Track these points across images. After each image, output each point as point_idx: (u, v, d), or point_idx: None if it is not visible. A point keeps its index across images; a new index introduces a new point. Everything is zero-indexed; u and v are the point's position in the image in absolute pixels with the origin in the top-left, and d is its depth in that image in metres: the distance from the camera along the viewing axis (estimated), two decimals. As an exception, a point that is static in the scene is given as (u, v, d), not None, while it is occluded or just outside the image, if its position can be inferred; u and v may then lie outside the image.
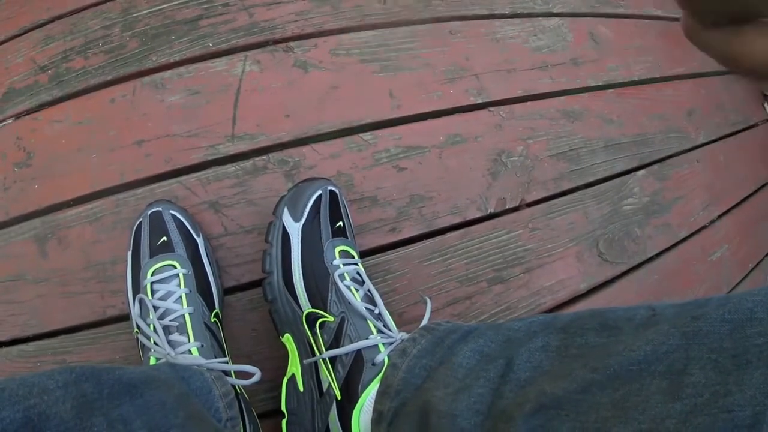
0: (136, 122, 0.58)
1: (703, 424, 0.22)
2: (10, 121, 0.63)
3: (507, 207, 0.58)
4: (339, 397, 0.41)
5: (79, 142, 0.58)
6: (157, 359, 0.43)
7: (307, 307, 0.45)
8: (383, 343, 0.41)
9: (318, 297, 0.45)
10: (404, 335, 0.41)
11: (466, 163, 0.58)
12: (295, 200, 0.47)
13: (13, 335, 0.55)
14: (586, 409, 0.26)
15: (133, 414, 0.30)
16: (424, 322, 0.42)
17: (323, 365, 0.43)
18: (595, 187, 0.64)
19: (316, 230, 0.47)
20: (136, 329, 0.46)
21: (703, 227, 0.74)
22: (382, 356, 0.41)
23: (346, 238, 0.48)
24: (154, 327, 0.44)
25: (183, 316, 0.45)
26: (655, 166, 0.70)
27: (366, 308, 0.43)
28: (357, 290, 0.44)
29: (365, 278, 0.46)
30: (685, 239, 0.71)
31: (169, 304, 0.45)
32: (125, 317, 0.54)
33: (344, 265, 0.46)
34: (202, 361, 0.42)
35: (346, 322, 0.43)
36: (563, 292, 0.60)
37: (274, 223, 0.48)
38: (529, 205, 0.60)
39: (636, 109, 0.72)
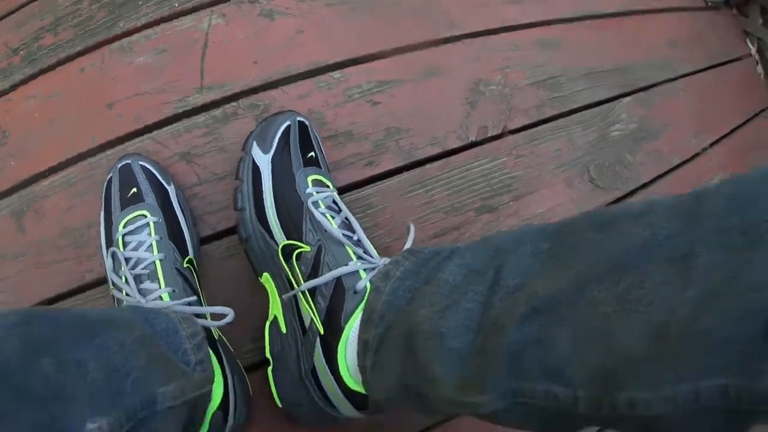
0: (106, 87, 0.57)
1: (724, 307, 0.19)
2: None
3: (489, 135, 0.56)
4: (322, 332, 0.39)
5: (51, 114, 0.57)
6: None
7: (282, 240, 0.42)
8: (364, 269, 0.38)
9: (293, 228, 0.42)
10: (386, 260, 0.39)
11: (442, 93, 0.55)
12: (263, 133, 0.45)
13: None
14: (584, 309, 0.23)
15: (89, 356, 0.27)
16: (408, 244, 0.40)
17: (303, 299, 0.41)
18: (580, 114, 0.61)
19: (286, 161, 0.44)
20: (111, 286, 0.44)
21: (696, 155, 0.71)
22: (364, 282, 0.38)
23: (319, 167, 0.46)
24: (126, 278, 0.42)
25: (153, 263, 0.43)
26: (641, 94, 0.68)
27: (344, 234, 0.40)
28: (333, 217, 0.42)
29: (342, 206, 0.43)
30: (678, 166, 0.68)
31: (140, 253, 0.43)
32: (104, 280, 0.51)
33: (317, 193, 0.43)
34: (170, 303, 0.40)
35: (323, 250, 0.40)
36: (556, 219, 0.56)
37: (243, 159, 0.46)
38: (512, 132, 0.57)
39: (616, 39, 0.69)
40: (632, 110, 0.66)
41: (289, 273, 0.42)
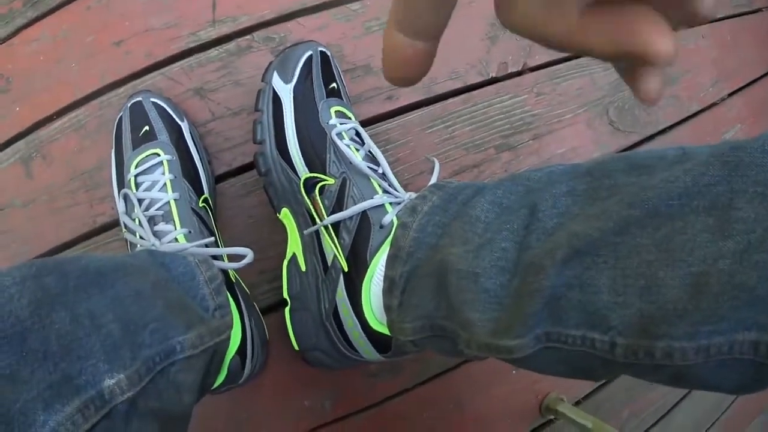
0: (114, 24, 0.54)
1: (762, 261, 0.19)
2: None
3: (509, 71, 0.54)
4: (346, 269, 0.37)
5: (57, 55, 0.55)
6: None
7: (304, 173, 0.40)
8: (390, 203, 0.37)
9: (316, 160, 0.40)
10: (412, 195, 0.37)
11: (461, 27, 0.53)
12: (284, 62, 0.43)
13: (7, 265, 0.52)
14: (626, 253, 0.22)
15: (103, 306, 0.26)
16: (433, 179, 0.38)
17: (326, 235, 0.39)
18: (600, 54, 0.59)
19: (309, 91, 0.42)
20: (123, 228, 0.42)
21: (714, 104, 0.69)
22: (390, 216, 0.36)
23: (341, 99, 0.44)
24: (139, 220, 0.40)
25: (168, 203, 0.41)
26: (661, 37, 0.65)
27: (369, 167, 0.38)
28: (357, 150, 0.40)
29: (365, 138, 0.41)
30: (696, 114, 0.66)
31: (154, 193, 0.41)
32: (117, 223, 0.50)
33: (341, 124, 0.41)
34: (187, 245, 0.38)
35: (348, 183, 0.38)
36: (576, 160, 0.55)
37: (263, 90, 0.44)
38: (533, 69, 0.55)
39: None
40: (652, 53, 0.64)
41: (311, 207, 0.40)
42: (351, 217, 0.37)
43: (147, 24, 0.53)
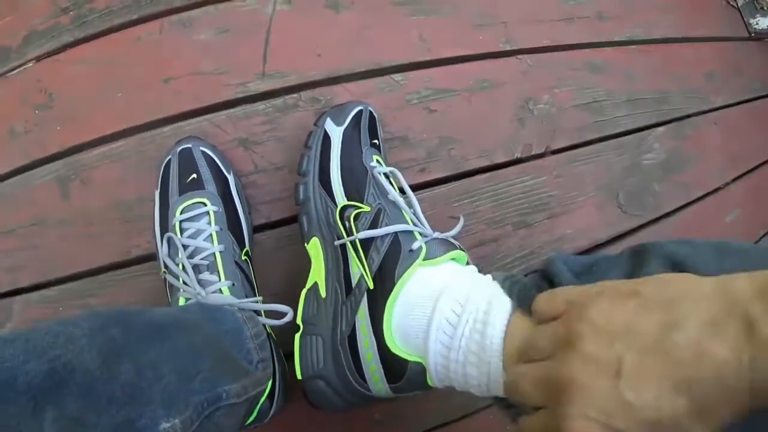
0: (164, 60, 0.56)
1: None
2: (30, 64, 0.60)
3: (533, 153, 0.57)
4: (372, 287, 0.39)
5: (103, 81, 0.56)
6: (187, 299, 0.42)
7: (342, 201, 0.43)
8: (420, 233, 0.40)
9: (355, 191, 0.43)
10: (439, 234, 0.40)
11: (494, 108, 0.56)
12: (338, 111, 0.47)
13: (35, 281, 0.53)
14: None
15: (162, 358, 0.29)
16: (454, 232, 0.41)
17: (354, 255, 0.41)
18: (617, 140, 0.63)
19: (356, 136, 0.46)
20: (163, 269, 0.44)
21: (718, 188, 0.73)
22: (420, 243, 0.39)
23: (380, 154, 0.47)
24: (183, 266, 0.42)
25: (213, 254, 0.43)
26: (674, 124, 0.69)
27: (404, 203, 0.42)
28: (394, 189, 0.43)
29: (403, 183, 0.44)
30: (700, 198, 0.70)
31: (199, 242, 0.43)
32: (151, 257, 0.52)
33: (382, 167, 0.45)
34: (234, 300, 0.41)
35: (382, 212, 0.41)
36: (584, 240, 0.59)
37: (314, 132, 0.47)
38: (554, 152, 0.59)
39: (657, 66, 0.70)
40: (664, 141, 0.67)
41: (344, 231, 0.42)
42: (382, 238, 0.40)
43: (198, 66, 0.55)
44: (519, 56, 0.60)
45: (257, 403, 0.40)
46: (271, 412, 0.43)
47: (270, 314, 0.42)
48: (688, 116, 0.71)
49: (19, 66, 0.59)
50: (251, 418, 0.41)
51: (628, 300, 0.25)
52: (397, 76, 0.54)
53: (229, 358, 0.35)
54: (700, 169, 0.70)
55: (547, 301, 0.30)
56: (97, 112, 0.55)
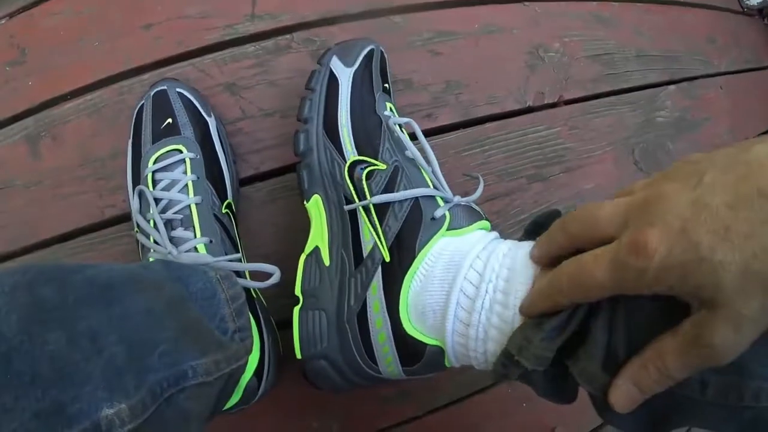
0: (145, 6, 0.51)
1: None
2: (2, 21, 0.55)
3: (545, 102, 0.53)
4: (388, 259, 0.34)
5: (79, 31, 0.51)
6: None
7: (352, 155, 0.37)
8: (442, 198, 0.34)
9: (367, 145, 0.37)
10: (459, 198, 0.35)
11: (503, 53, 0.52)
12: (346, 49, 0.41)
13: (1, 251, 0.47)
14: None
15: (107, 325, 0.23)
16: (475, 196, 0.36)
17: (367, 221, 0.35)
18: (630, 94, 0.59)
19: (367, 80, 0.40)
20: (136, 228, 0.38)
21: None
22: (443, 211, 0.34)
23: (392, 101, 0.42)
24: (155, 223, 0.36)
25: (188, 207, 0.37)
26: (685, 84, 0.66)
27: (423, 160, 0.36)
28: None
29: (420, 136, 0.38)
30: (713, 160, 0.67)
31: (173, 194, 0.37)
32: (126, 217, 0.46)
33: (397, 116, 0.39)
34: (210, 259, 0.34)
35: (400, 171, 0.35)
36: (601, 196, 0.55)
37: (318, 71, 0.41)
38: (567, 102, 0.54)
39: (662, 26, 0.67)
40: (676, 100, 0.64)
41: (353, 191, 0.36)
42: (401, 203, 0.34)
43: (182, 11, 0.50)
44: (526, 3, 0.56)
45: (238, 382, 0.33)
46: (260, 391, 0.36)
47: (255, 276, 0.36)
48: (696, 78, 0.68)
49: (-11, 25, 0.54)
50: (234, 400, 0.34)
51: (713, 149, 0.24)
52: (396, 18, 0.50)
53: (197, 327, 0.28)
54: (711, 131, 0.67)
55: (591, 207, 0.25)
56: (71, 64, 0.50)
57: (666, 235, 0.20)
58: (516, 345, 0.27)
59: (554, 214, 0.30)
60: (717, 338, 0.20)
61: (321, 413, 0.45)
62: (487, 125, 0.50)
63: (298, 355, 0.36)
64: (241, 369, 0.32)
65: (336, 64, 0.40)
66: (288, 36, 0.48)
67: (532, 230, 0.31)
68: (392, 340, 0.34)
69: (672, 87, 0.64)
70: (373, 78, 0.40)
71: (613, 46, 0.60)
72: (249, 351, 0.33)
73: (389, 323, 0.33)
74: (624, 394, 0.23)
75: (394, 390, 0.48)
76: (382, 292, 0.34)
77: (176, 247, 0.35)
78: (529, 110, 0.52)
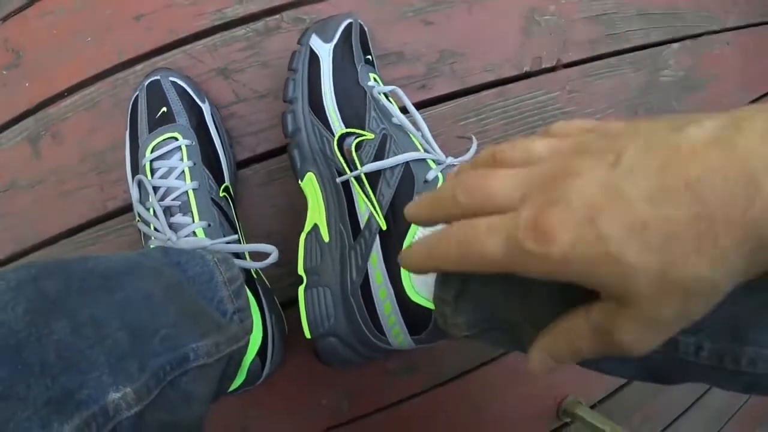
0: (133, -3, 0.50)
1: None
2: None
3: (543, 66, 0.51)
4: (384, 227, 0.33)
5: (71, 28, 0.51)
6: None
7: (340, 129, 0.37)
8: (434, 160, 0.34)
9: (353, 116, 0.37)
10: (452, 159, 0.34)
11: (497, 19, 0.50)
12: (324, 26, 0.40)
13: (12, 251, 0.48)
14: None
15: (109, 312, 0.23)
16: (469, 156, 0.35)
17: (360, 192, 0.35)
18: (632, 54, 0.57)
19: (347, 53, 0.39)
20: (137, 217, 0.39)
21: (736, 111, 0.67)
22: (435, 173, 0.33)
23: (376, 72, 0.41)
24: (154, 210, 0.37)
25: (186, 193, 0.38)
26: (688, 42, 0.63)
27: (411, 125, 0.36)
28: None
29: (407, 102, 0.37)
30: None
31: (171, 181, 0.38)
32: (128, 208, 0.47)
33: (381, 85, 0.38)
34: (207, 242, 0.35)
35: (389, 138, 0.35)
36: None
37: (298, 51, 0.40)
38: (566, 66, 0.53)
39: (666, -18, 0.65)
40: (680, 58, 0.61)
41: (344, 164, 0.36)
42: (392, 169, 0.34)
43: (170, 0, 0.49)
44: (518, -33, 0.54)
45: (240, 362, 0.34)
46: (265, 371, 0.37)
47: (255, 257, 0.36)
48: (701, 35, 0.66)
49: (-17, 30, 0.54)
50: (239, 381, 0.34)
51: (642, 120, 0.19)
52: (387, -11, 0.49)
53: (196, 310, 0.28)
54: (718, 90, 0.64)
55: (519, 142, 0.21)
56: (66, 62, 0.50)
57: (570, 222, 0.17)
58: (440, 320, 0.27)
59: None
60: (626, 337, 0.18)
61: (330, 390, 0.45)
62: (484, 93, 0.49)
63: (307, 335, 0.36)
64: (243, 350, 0.32)
65: (315, 42, 0.39)
66: (277, 16, 0.47)
67: None
68: (397, 309, 0.33)
69: (675, 45, 0.62)
70: (354, 51, 0.40)
71: (612, 6, 0.57)
72: (249, 331, 0.33)
73: (393, 292, 0.33)
74: (540, 362, 0.21)
75: (402, 364, 0.48)
76: (382, 262, 0.34)
77: (175, 232, 0.36)
78: (527, 76, 0.51)
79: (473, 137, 0.38)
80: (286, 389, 0.45)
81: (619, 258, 0.16)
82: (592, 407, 0.55)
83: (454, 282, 0.27)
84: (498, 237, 0.18)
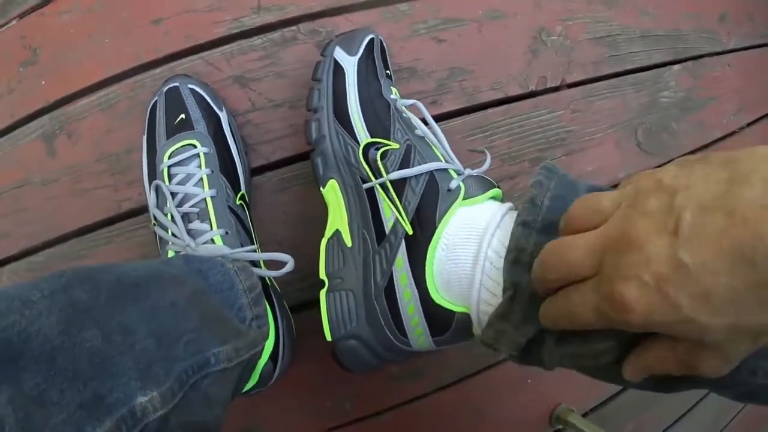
0: (153, 1, 0.51)
1: None
2: (13, 22, 0.55)
3: (548, 86, 0.53)
4: (410, 232, 0.35)
5: (89, 29, 0.52)
6: (176, 253, 0.37)
7: (365, 138, 0.38)
8: (455, 171, 0.36)
9: (379, 126, 0.38)
10: (470, 170, 0.36)
11: (506, 38, 0.52)
12: (348, 39, 0.42)
13: (23, 247, 0.49)
14: None
15: (137, 320, 0.24)
16: (485, 168, 0.37)
17: (386, 199, 0.36)
18: (634, 75, 0.59)
19: (371, 67, 0.41)
20: (153, 221, 0.40)
21: (733, 132, 0.69)
22: (457, 182, 0.35)
23: (395, 86, 0.42)
24: (172, 216, 0.37)
25: (204, 200, 0.38)
26: (690, 63, 0.65)
27: (434, 138, 0.37)
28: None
29: (428, 116, 0.39)
30: (718, 140, 0.66)
31: (189, 188, 0.39)
32: (142, 210, 0.48)
33: (402, 99, 0.40)
34: (227, 250, 0.36)
35: (413, 149, 0.37)
36: (604, 178, 0.55)
37: (323, 62, 0.42)
38: (570, 86, 0.54)
39: (670, 4, 0.66)
40: (681, 79, 0.63)
41: (369, 172, 0.37)
42: (417, 178, 0.35)
43: (189, 5, 0.50)
44: (528, -13, 0.55)
45: (254, 366, 0.35)
46: (276, 374, 0.38)
47: (269, 265, 0.37)
48: (702, 56, 0.67)
49: (2, 26, 0.55)
50: (251, 383, 0.36)
51: (695, 163, 0.21)
52: (402, 6, 0.50)
53: (217, 317, 0.30)
54: (717, 110, 0.66)
55: (588, 201, 0.24)
56: (83, 61, 0.50)
57: (643, 294, 0.19)
58: (491, 336, 0.29)
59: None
60: (708, 370, 0.21)
61: (334, 392, 0.47)
62: (491, 111, 0.50)
63: (328, 338, 0.37)
64: (258, 354, 0.34)
65: (339, 54, 0.41)
66: (294, 27, 0.48)
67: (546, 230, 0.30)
68: (421, 310, 0.34)
69: (676, 67, 0.63)
70: (376, 66, 0.41)
71: (617, 28, 0.59)
72: (266, 337, 0.34)
73: (417, 294, 0.34)
74: (633, 372, 0.24)
75: (405, 369, 0.49)
76: (407, 265, 0.35)
77: (194, 239, 0.37)
78: (532, 95, 0.52)
79: (486, 150, 0.39)
80: (293, 392, 0.47)
81: (693, 319, 0.19)
82: (584, 415, 0.57)
83: (522, 300, 0.28)
84: (588, 308, 0.22)
